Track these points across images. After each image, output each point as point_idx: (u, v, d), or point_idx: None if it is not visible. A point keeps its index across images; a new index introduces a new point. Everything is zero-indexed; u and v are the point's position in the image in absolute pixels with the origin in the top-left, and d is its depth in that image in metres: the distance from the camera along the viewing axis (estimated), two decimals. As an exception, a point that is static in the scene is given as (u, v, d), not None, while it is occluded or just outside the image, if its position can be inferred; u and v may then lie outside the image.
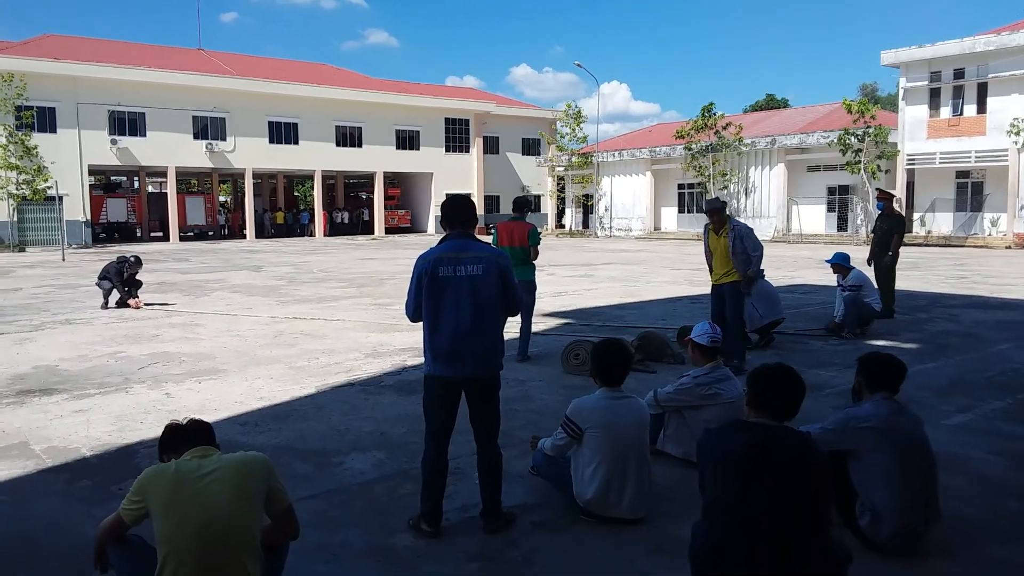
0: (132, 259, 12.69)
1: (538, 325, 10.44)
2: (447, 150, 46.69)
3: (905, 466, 3.56)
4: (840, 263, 9.73)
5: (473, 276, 3.82)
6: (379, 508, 4.28)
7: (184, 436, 3.08)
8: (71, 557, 3.67)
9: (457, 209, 4.00)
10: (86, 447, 5.38)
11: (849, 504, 3.70)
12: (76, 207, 34.67)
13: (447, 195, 4.13)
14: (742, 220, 36.82)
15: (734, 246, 7.67)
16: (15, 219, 32.63)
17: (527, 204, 8.57)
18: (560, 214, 49.32)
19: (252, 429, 5.76)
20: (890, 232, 11.10)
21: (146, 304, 12.66)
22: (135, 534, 3.05)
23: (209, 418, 5.99)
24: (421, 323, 3.93)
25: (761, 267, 7.97)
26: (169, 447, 3.08)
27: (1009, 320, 10.67)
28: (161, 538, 2.79)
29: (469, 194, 4.16)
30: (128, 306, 12.44)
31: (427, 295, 3.84)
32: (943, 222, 31.88)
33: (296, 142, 41.31)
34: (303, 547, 3.64)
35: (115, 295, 12.55)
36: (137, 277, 12.82)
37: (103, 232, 38.72)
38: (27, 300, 14.02)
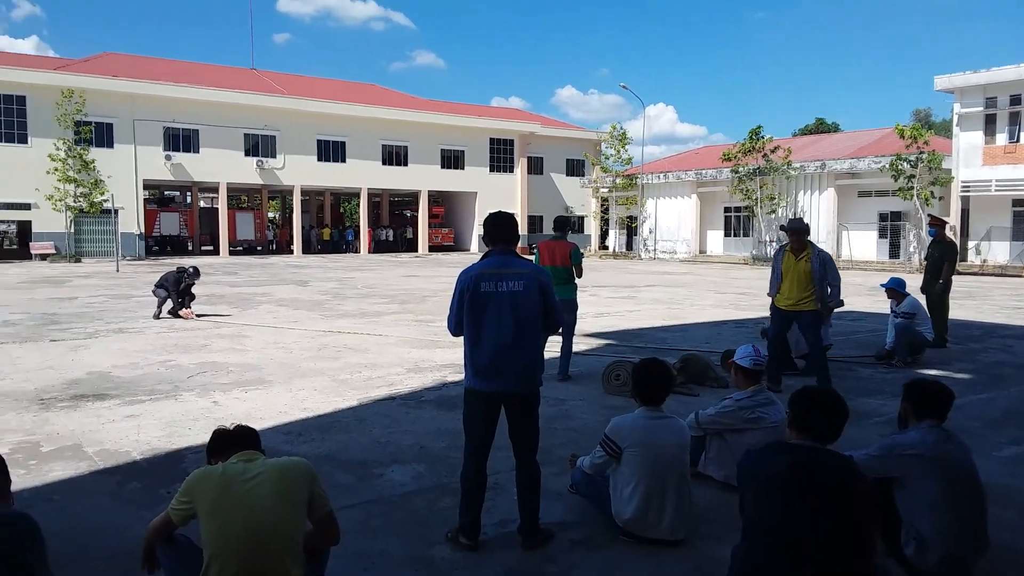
0: (191, 270, 13.01)
1: (579, 345, 10.43)
2: (491, 170, 47.04)
3: (953, 494, 3.48)
4: (895, 288, 9.56)
5: (515, 292, 3.86)
6: (418, 520, 4.32)
7: (231, 441, 3.17)
8: (119, 557, 3.77)
9: (500, 226, 4.05)
10: (136, 451, 5.52)
11: (895, 532, 3.62)
12: (131, 220, 35.71)
13: (490, 213, 4.18)
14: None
15: (815, 272, 7.54)
16: (72, 230, 33.74)
17: (568, 224, 8.61)
18: (604, 235, 49.22)
19: (296, 439, 5.85)
20: (941, 259, 10.87)
21: (197, 315, 12.96)
22: (183, 534, 3.13)
23: (254, 427, 6.14)
24: (462, 338, 3.98)
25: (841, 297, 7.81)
26: (216, 451, 3.18)
27: (1067, 352, 10.33)
28: (207, 538, 2.87)
29: (512, 213, 4.22)
30: (180, 316, 12.75)
31: (469, 310, 3.89)
32: (999, 251, 31.02)
33: (344, 160, 42.05)
34: (343, 554, 3.69)
35: (168, 305, 12.87)
36: (193, 289, 13.15)
37: (156, 245, 39.82)
38: (82, 309, 14.47)
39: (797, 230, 7.70)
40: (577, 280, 8.26)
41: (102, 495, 4.68)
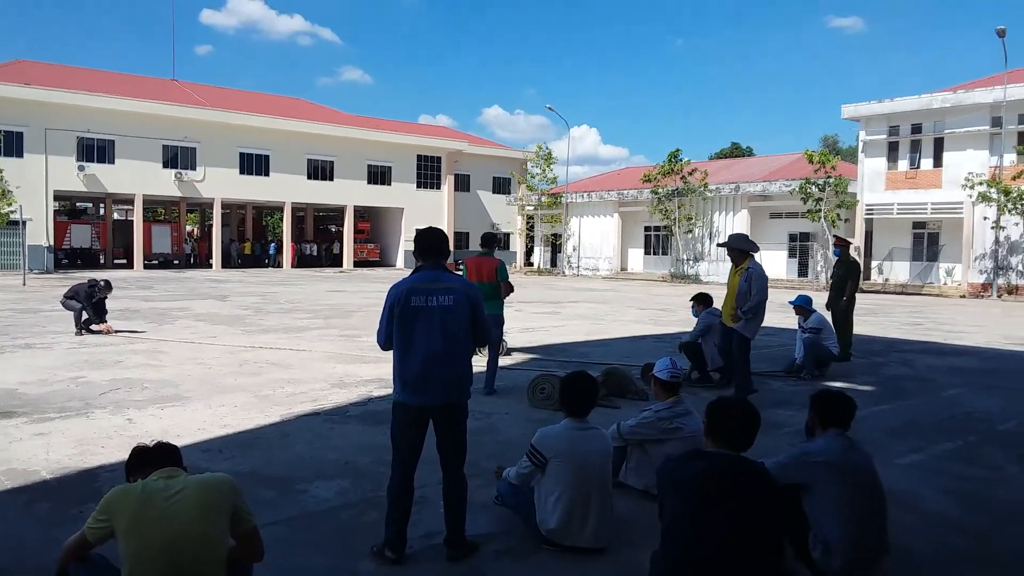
0: (102, 283, 12.57)
1: (505, 360, 10.53)
2: (418, 186, 46.98)
3: (856, 500, 3.69)
4: (803, 305, 10.00)
5: (445, 307, 3.92)
6: (343, 535, 4.30)
7: (151, 458, 3.12)
8: (29, 578, 3.63)
9: (430, 241, 4.12)
10: (46, 470, 5.32)
11: (803, 537, 3.81)
12: (39, 232, 34.14)
13: (421, 229, 4.24)
14: (706, 264, 37.54)
15: (741, 288, 7.77)
16: (-25, 242, 32.00)
17: (495, 240, 8.72)
18: (529, 252, 49.74)
19: (215, 456, 5.73)
20: (845, 278, 11.44)
21: (115, 331, 12.50)
22: (98, 553, 3.06)
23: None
24: (391, 352, 4.02)
25: (754, 311, 7.83)
26: (136, 468, 3.12)
27: (961, 366, 11.00)
28: (126, 556, 2.81)
29: (442, 229, 4.27)
30: (98, 331, 12.29)
31: (399, 324, 3.93)
32: (900, 271, 32.77)
33: (267, 174, 41.28)
34: (266, 571, 3.65)
35: (84, 318, 12.39)
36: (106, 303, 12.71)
37: (66, 258, 38.14)
38: (-15, 324, 13.75)
39: (728, 246, 8.01)
40: (506, 296, 8.37)
41: (10, 515, 4.49)
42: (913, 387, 9.23)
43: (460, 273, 7.94)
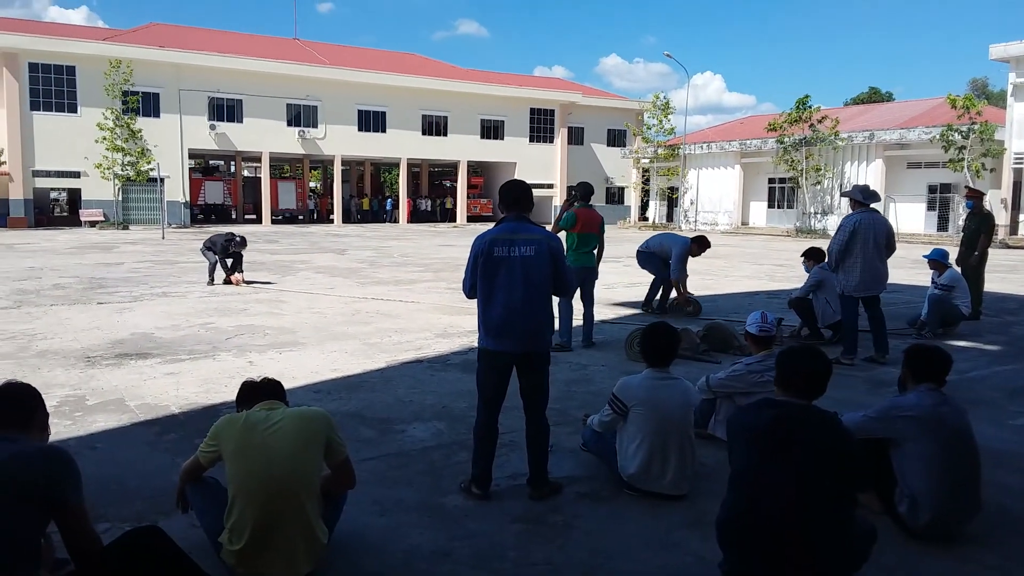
0: (239, 239, 13.38)
1: (606, 314, 10.58)
2: (531, 140, 46.95)
3: (946, 457, 3.57)
4: (938, 259, 9.54)
5: (526, 257, 4.01)
6: (434, 472, 4.54)
7: (258, 392, 3.41)
8: (156, 498, 4.06)
9: (514, 193, 4.20)
10: (175, 405, 5.84)
11: (889, 491, 3.73)
12: (176, 189, 36.57)
13: (505, 182, 4.33)
14: (835, 217, 35.77)
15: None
16: (120, 198, 34.70)
17: (592, 192, 8.70)
18: (644, 207, 48.87)
19: (325, 397, 6.12)
20: (977, 231, 10.70)
21: (247, 282, 13.34)
22: (211, 476, 3.39)
23: (286, 385, 6.37)
24: (475, 300, 4.16)
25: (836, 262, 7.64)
26: (244, 400, 3.42)
27: (1106, 326, 10.14)
28: (231, 479, 3.11)
29: (524, 181, 4.34)
30: (230, 282, 13.15)
31: (482, 274, 4.06)
32: (1051, 224, 30.15)
33: (384, 130, 42.34)
34: (360, 500, 3.93)
35: (219, 273, 13.25)
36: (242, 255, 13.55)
37: (200, 213, 40.75)
38: (128, 274, 15.01)
39: (846, 195, 7.85)
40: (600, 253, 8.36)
41: (141, 444, 4.99)
42: (1045, 347, 8.61)
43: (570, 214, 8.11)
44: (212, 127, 37.52)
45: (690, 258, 10.42)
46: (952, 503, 3.55)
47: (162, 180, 30.27)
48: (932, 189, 34.24)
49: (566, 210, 8.34)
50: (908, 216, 34.75)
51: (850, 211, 7.70)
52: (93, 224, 33.54)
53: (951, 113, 31.11)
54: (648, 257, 10.70)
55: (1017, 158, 30.44)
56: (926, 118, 35.23)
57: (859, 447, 2.97)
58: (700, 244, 10.43)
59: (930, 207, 34.38)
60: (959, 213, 32.40)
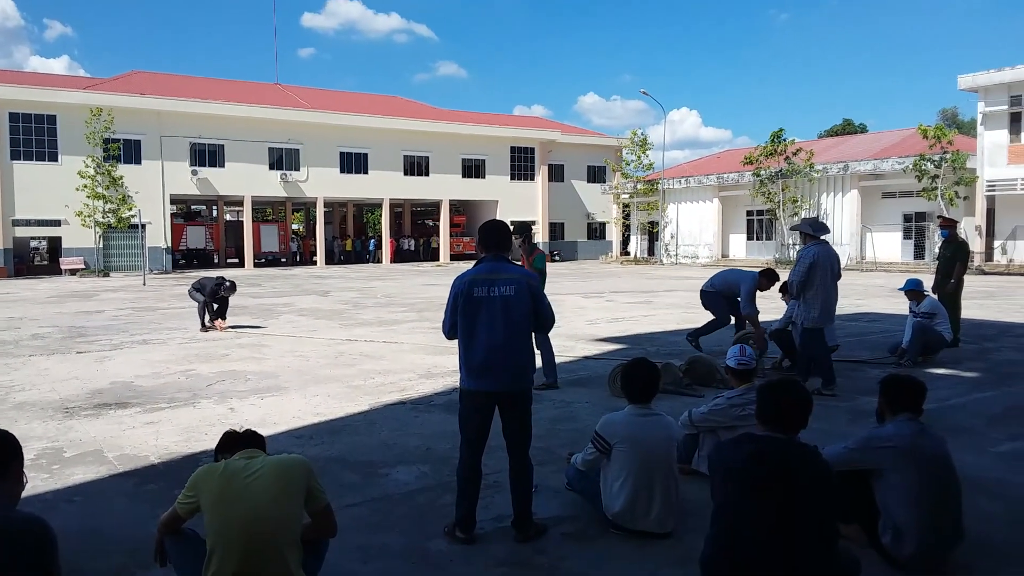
0: (229, 283, 13.31)
1: (590, 350, 10.60)
2: (512, 178, 47.32)
3: (927, 485, 3.59)
4: (915, 289, 9.65)
5: (506, 297, 4.04)
6: (419, 515, 4.50)
7: (237, 441, 3.39)
8: (136, 551, 3.99)
9: (492, 234, 4.24)
10: (154, 455, 5.77)
11: (873, 523, 3.73)
12: (158, 234, 36.43)
13: (484, 222, 4.38)
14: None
15: None
16: (100, 246, 34.50)
17: (528, 229, 8.69)
18: (625, 241, 49.23)
19: (307, 442, 6.07)
20: (952, 259, 10.86)
21: (231, 327, 13.26)
22: (189, 528, 3.34)
23: (267, 431, 6.38)
24: (456, 341, 4.18)
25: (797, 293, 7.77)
26: (224, 449, 3.39)
27: (1082, 350, 10.28)
28: (210, 530, 3.06)
29: (503, 221, 4.37)
30: (213, 327, 13.06)
31: (462, 314, 4.08)
32: (1025, 250, 30.63)
33: (366, 172, 42.56)
34: (344, 547, 3.88)
35: (207, 316, 13.15)
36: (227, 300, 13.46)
37: (182, 258, 40.56)
38: (109, 322, 14.88)
39: (796, 228, 7.94)
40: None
41: (120, 496, 4.92)
42: (1021, 373, 8.70)
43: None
44: (194, 172, 37.54)
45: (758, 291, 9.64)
46: (935, 533, 3.57)
47: (143, 226, 30.14)
48: (907, 218, 34.77)
49: (529, 252, 8.22)
50: (885, 245, 35.22)
51: (802, 244, 7.82)
52: (74, 272, 33.28)
53: (923, 143, 31.74)
54: (713, 297, 9.99)
55: (989, 186, 31.04)
56: (899, 148, 35.90)
57: (839, 480, 2.99)
58: (769, 278, 9.61)
59: (906, 236, 34.87)
60: (935, 241, 32.87)
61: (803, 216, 36.93)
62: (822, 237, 7.72)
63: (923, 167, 31.15)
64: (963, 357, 9.73)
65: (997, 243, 31.23)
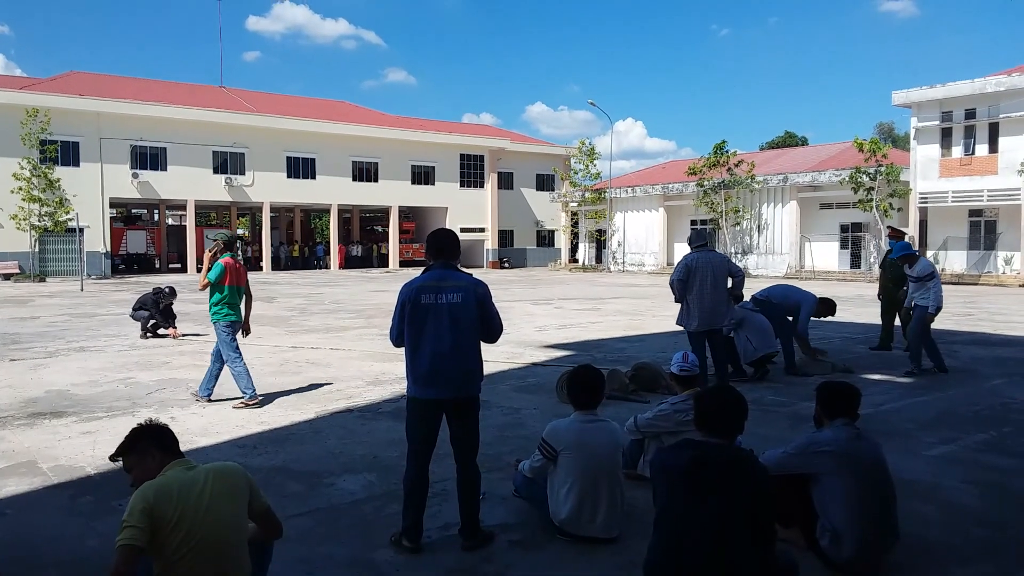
0: (167, 290, 13.02)
1: (538, 356, 10.67)
2: (462, 185, 47.32)
3: (863, 489, 3.70)
4: (907, 253, 9.45)
5: (453, 304, 4.05)
6: (365, 525, 4.46)
7: (141, 436, 3.10)
8: (70, 565, 3.87)
9: (441, 241, 4.25)
10: (91, 466, 5.60)
11: (811, 526, 3.84)
12: (96, 239, 35.40)
13: (433, 230, 4.38)
14: (755, 256, 37.03)
15: None
16: (36, 250, 33.36)
17: (233, 243, 8.16)
18: (574, 249, 49.66)
19: (250, 452, 5.96)
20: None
21: (183, 335, 12.96)
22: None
23: (210, 441, 6.28)
24: (403, 348, 4.17)
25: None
26: (130, 450, 3.09)
27: (1008, 356, 10.73)
28: (165, 550, 2.83)
29: (452, 230, 4.35)
30: (165, 335, 12.75)
31: (409, 321, 4.08)
32: (956, 260, 31.87)
33: (313, 177, 42.07)
34: (287, 559, 3.83)
35: (151, 323, 12.83)
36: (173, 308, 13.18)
37: (122, 263, 39.47)
38: (44, 328, 14.39)
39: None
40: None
41: (54, 509, 4.76)
42: (953, 378, 9.05)
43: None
44: (135, 175, 36.58)
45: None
46: (872, 535, 3.68)
47: (81, 230, 29.27)
48: (844, 228, 35.87)
49: (213, 261, 7.68)
50: (823, 254, 36.33)
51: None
52: (7, 277, 32.07)
53: (859, 156, 32.79)
54: (768, 308, 9.43)
55: (922, 198, 32.20)
56: (837, 161, 37.02)
57: (778, 484, 3.07)
58: (828, 306, 9.81)
59: (843, 245, 35.97)
60: (870, 251, 33.98)
61: (745, 226, 37.86)
62: (698, 246, 8.10)
63: (859, 179, 32.17)
64: (897, 363, 10.05)
65: (930, 253, 32.36)
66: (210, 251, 7.83)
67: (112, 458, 3.13)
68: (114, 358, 10.65)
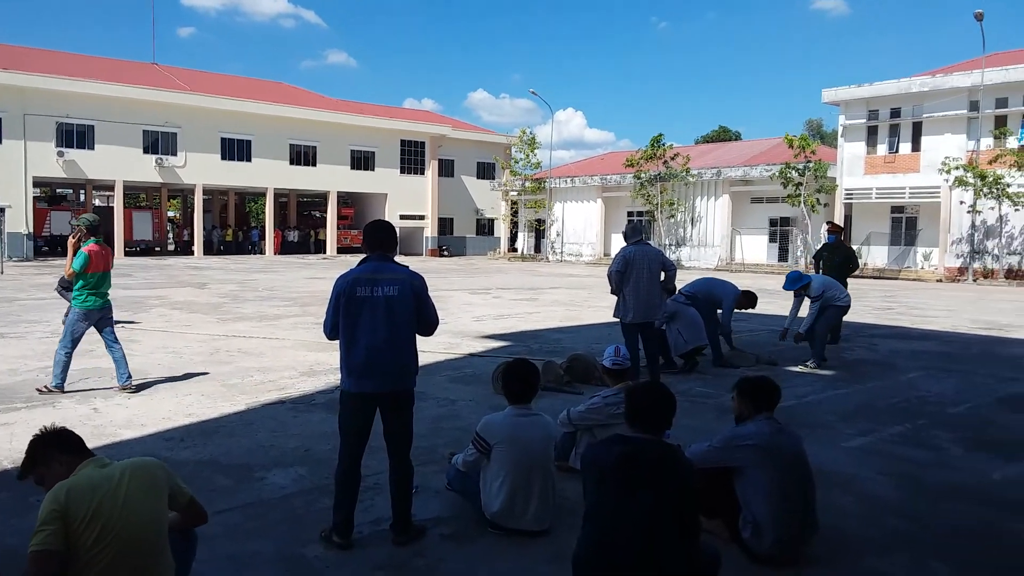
0: None
1: (475, 347, 10.69)
2: (402, 171, 46.88)
3: (783, 481, 3.85)
4: (800, 284, 9.61)
5: (389, 297, 4.03)
6: (294, 521, 4.41)
7: (49, 444, 2.99)
8: (-18, 565, 3.73)
9: (378, 233, 4.22)
10: (8, 460, 5.39)
11: (735, 518, 3.97)
12: (19, 219, 33.92)
13: (369, 222, 4.34)
14: (687, 249, 37.76)
15: None
16: (-48, 230, 31.80)
17: (99, 224, 7.99)
18: (513, 238, 49.81)
19: (177, 444, 5.83)
20: (844, 264, 11.66)
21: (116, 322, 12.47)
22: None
23: (135, 434, 6.12)
24: (338, 341, 4.13)
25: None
26: (39, 461, 2.98)
27: (924, 350, 11.23)
28: (83, 548, 2.77)
29: (389, 221, 4.31)
30: None
31: (344, 314, 4.04)
32: (879, 255, 33.11)
33: (249, 159, 41.09)
34: (214, 556, 3.78)
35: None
36: None
37: (46, 245, 37.85)
38: (-41, 313, 13.74)
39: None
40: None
41: (-33, 505, 4.57)
42: (873, 371, 9.43)
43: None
44: (60, 154, 35.10)
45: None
46: (792, 526, 3.82)
47: (2, 210, 27.98)
48: (773, 222, 36.90)
49: (77, 248, 7.46)
50: (752, 247, 37.32)
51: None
52: (-83, 257, 30.48)
53: (790, 152, 33.72)
54: (698, 301, 9.66)
55: (847, 194, 33.32)
56: (767, 156, 38.01)
57: (703, 477, 3.16)
58: (749, 299, 9.96)
59: (772, 239, 37.02)
60: (797, 245, 35.03)
61: (679, 218, 38.58)
62: (635, 240, 8.14)
63: (788, 175, 33.09)
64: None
65: (854, 247, 33.55)
66: (73, 237, 7.60)
67: (20, 478, 3.04)
68: (35, 345, 10.25)
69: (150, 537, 2.92)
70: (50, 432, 3.03)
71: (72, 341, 7.50)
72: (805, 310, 9.71)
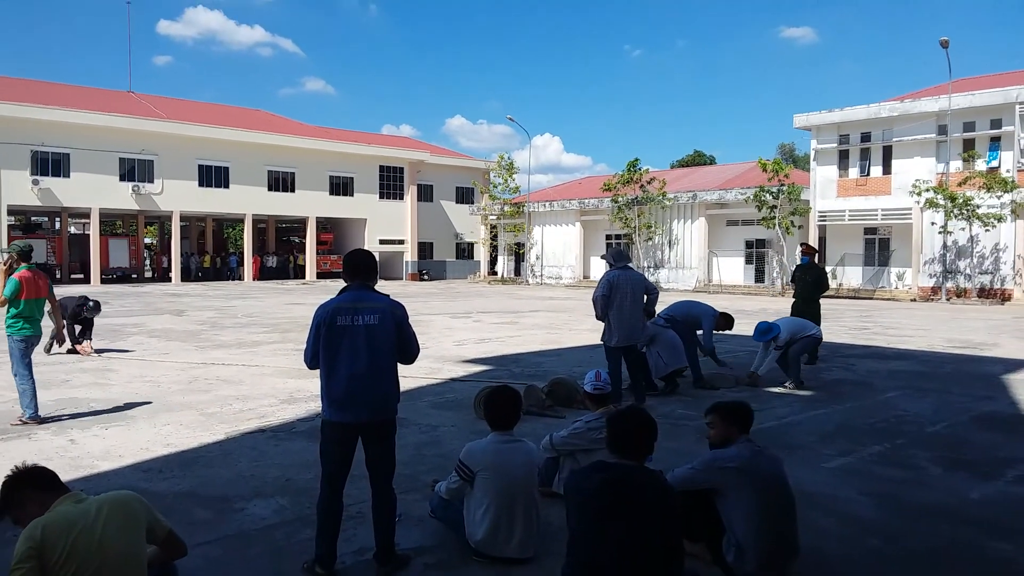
0: (92, 303, 12.44)
1: (456, 372, 10.67)
2: (381, 197, 46.92)
3: (765, 503, 3.87)
4: (769, 334, 9.57)
5: (370, 325, 4.03)
6: (276, 553, 4.36)
7: (26, 483, 2.99)
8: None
9: (357, 262, 4.23)
10: (-19, 495, 5.28)
11: (718, 541, 3.99)
12: (-10, 247, 33.47)
13: (349, 251, 4.36)
14: (665, 271, 38.05)
15: None
16: (-77, 259, 31.29)
17: (31, 251, 7.78)
18: (493, 262, 49.93)
19: (155, 476, 5.75)
20: (817, 283, 11.84)
21: (97, 351, 12.36)
22: None
23: (112, 465, 6.03)
24: (319, 370, 4.13)
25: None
26: (13, 502, 2.98)
27: (901, 370, 11.36)
28: None
29: (370, 251, 4.31)
30: (75, 351, 12.14)
31: (325, 343, 4.04)
32: (853, 275, 33.55)
33: (227, 186, 40.95)
34: (194, 590, 3.72)
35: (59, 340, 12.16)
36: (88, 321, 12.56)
37: (19, 274, 37.33)
38: (-70, 344, 13.48)
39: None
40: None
41: (-60, 542, 4.48)
42: (850, 391, 9.52)
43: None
44: (35, 182, 34.78)
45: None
46: (774, 549, 3.85)
47: (-28, 238, 27.63)
48: (749, 244, 37.36)
49: (8, 274, 7.36)
50: (729, 269, 37.78)
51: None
52: None
53: (763, 175, 34.22)
54: (677, 324, 9.68)
55: (821, 216, 33.81)
56: (742, 180, 38.53)
57: (685, 501, 3.19)
58: (727, 320, 10.01)
59: (748, 261, 37.47)
60: (773, 266, 35.42)
61: (657, 241, 38.93)
62: (620, 265, 8.28)
63: (763, 198, 33.55)
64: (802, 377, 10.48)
65: (828, 268, 33.98)
66: (4, 264, 7.49)
67: None
68: (7, 376, 10.07)
69: (128, 572, 2.89)
70: (22, 471, 3.00)
71: (26, 367, 7.42)
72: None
